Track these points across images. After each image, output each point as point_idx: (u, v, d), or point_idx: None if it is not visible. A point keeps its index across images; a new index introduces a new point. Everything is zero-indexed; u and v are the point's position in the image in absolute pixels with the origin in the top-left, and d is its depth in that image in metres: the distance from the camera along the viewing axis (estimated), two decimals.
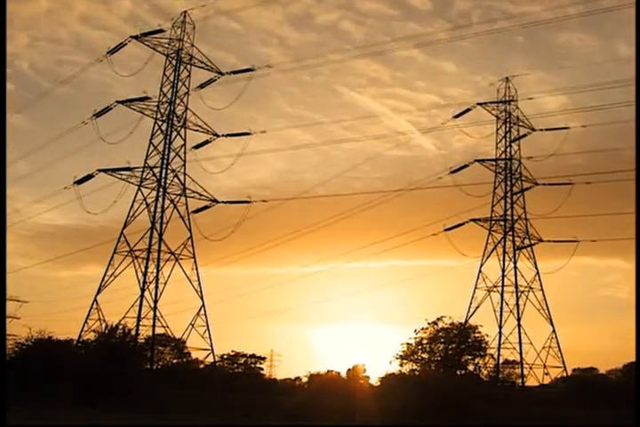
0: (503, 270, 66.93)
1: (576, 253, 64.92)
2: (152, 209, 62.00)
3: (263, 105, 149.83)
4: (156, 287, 59.76)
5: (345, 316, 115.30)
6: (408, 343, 50.00)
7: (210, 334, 61.41)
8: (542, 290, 67.20)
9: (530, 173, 69.00)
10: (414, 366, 49.44)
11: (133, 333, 53.52)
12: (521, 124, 70.49)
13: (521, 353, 63.27)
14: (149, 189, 62.76)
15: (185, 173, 63.93)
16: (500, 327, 64.21)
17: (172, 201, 63.16)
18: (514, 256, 67.43)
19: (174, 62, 65.27)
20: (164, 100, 64.17)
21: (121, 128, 62.32)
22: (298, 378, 74.25)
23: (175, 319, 61.22)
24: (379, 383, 53.71)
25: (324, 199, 74.68)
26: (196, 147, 66.38)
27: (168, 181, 63.13)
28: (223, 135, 66.52)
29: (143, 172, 62.48)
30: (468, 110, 68.69)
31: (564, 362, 65.52)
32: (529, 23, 64.90)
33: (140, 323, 57.94)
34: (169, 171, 63.28)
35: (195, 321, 61.00)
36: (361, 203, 65.91)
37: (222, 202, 65.30)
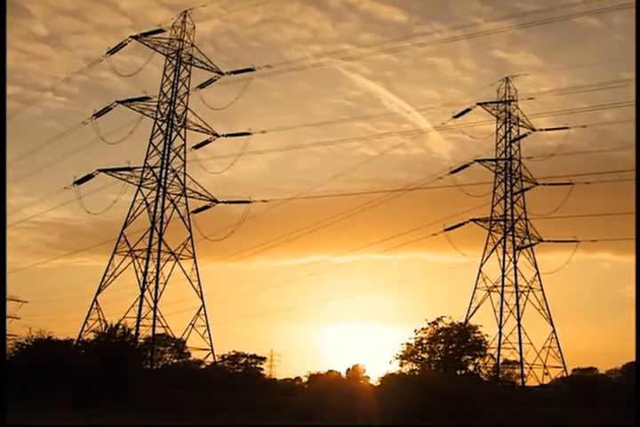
0: (503, 270, 66.97)
1: (576, 253, 65.07)
2: (152, 209, 62.06)
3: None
4: (156, 287, 59.81)
5: (344, 316, 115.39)
6: (408, 343, 49.91)
7: (210, 334, 61.53)
8: (542, 290, 67.30)
9: (530, 173, 69.07)
10: (414, 366, 49.36)
11: (133, 333, 53.55)
12: (521, 124, 70.52)
13: (521, 353, 63.35)
14: (149, 189, 62.83)
15: (185, 173, 64.03)
16: (500, 327, 64.27)
17: (171, 201, 63.20)
18: (514, 256, 67.47)
19: (174, 62, 65.30)
20: (164, 100, 64.21)
21: (121, 128, 62.43)
22: (298, 378, 74.35)
23: (175, 319, 61.33)
24: (379, 383, 53.73)
25: (325, 199, 74.63)
26: (196, 147, 66.45)
27: (168, 181, 63.18)
28: (223, 135, 66.55)
29: (143, 172, 62.54)
30: (467, 110, 68.73)
31: (564, 362, 65.67)
32: None
33: (140, 323, 58.00)
34: (169, 171, 63.34)
35: (195, 321, 61.07)
36: (361, 203, 65.93)
37: (222, 202, 65.33)
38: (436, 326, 50.07)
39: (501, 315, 64.90)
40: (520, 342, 63.55)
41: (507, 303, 65.66)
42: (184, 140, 64.70)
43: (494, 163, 68.87)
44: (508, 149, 69.44)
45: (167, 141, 63.71)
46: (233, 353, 67.91)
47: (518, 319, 64.82)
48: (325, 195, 71.10)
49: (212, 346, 61.66)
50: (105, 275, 61.30)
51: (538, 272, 67.74)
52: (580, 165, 69.38)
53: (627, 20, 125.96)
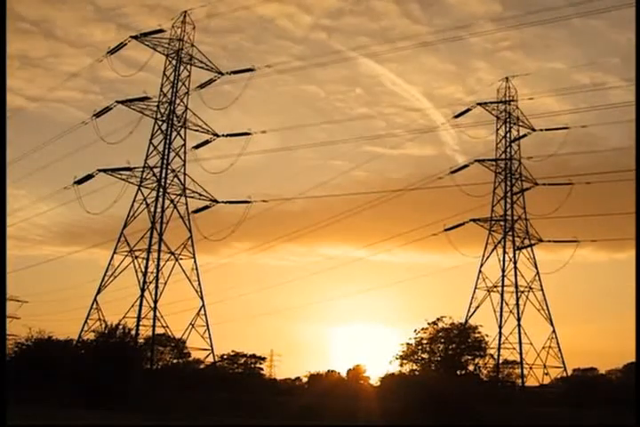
0: (503, 270, 66.96)
1: (576, 253, 65.08)
2: (152, 209, 62.05)
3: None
4: (156, 287, 59.76)
5: (344, 316, 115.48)
6: (408, 343, 49.91)
7: (210, 334, 61.49)
8: (542, 290, 67.30)
9: (530, 173, 69.07)
10: (414, 367, 49.36)
11: (133, 333, 53.51)
12: (521, 124, 70.52)
13: (521, 353, 63.34)
14: (149, 189, 62.80)
15: (185, 173, 64.01)
16: (500, 327, 64.26)
17: (171, 201, 63.18)
18: (514, 256, 67.46)
19: (174, 62, 65.31)
20: (164, 100, 64.21)
21: (121, 128, 62.40)
22: (298, 378, 74.45)
23: (175, 319, 61.30)
24: (379, 384, 53.75)
25: (325, 199, 74.65)
26: (196, 147, 66.46)
27: (168, 181, 63.16)
28: (223, 135, 66.53)
29: (143, 172, 62.49)
30: (467, 110, 68.74)
31: (563, 362, 65.63)
32: None
33: (140, 323, 57.94)
34: (169, 171, 63.33)
35: (195, 321, 61.04)
36: (361, 203, 65.92)
37: (222, 202, 65.32)
38: (435, 327, 50.06)
39: (501, 315, 64.93)
40: (520, 343, 63.58)
41: (507, 303, 65.71)
42: (184, 140, 64.79)
43: (494, 163, 68.89)
44: (508, 149, 69.47)
45: (167, 141, 63.73)
46: (232, 353, 68.00)
47: (518, 319, 64.84)
48: (325, 195, 71.17)
49: (211, 346, 61.72)
50: (105, 275, 61.38)
51: (538, 272, 67.76)
52: (580, 165, 69.39)
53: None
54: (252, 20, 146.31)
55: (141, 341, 56.34)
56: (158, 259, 60.99)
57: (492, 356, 55.05)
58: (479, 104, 69.34)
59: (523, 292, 66.34)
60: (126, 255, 61.13)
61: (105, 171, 61.80)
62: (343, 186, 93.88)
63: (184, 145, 64.60)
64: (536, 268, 67.90)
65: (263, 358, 73.12)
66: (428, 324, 50.10)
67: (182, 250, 62.41)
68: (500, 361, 62.25)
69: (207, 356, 62.52)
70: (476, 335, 50.82)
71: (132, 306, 58.73)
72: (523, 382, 62.70)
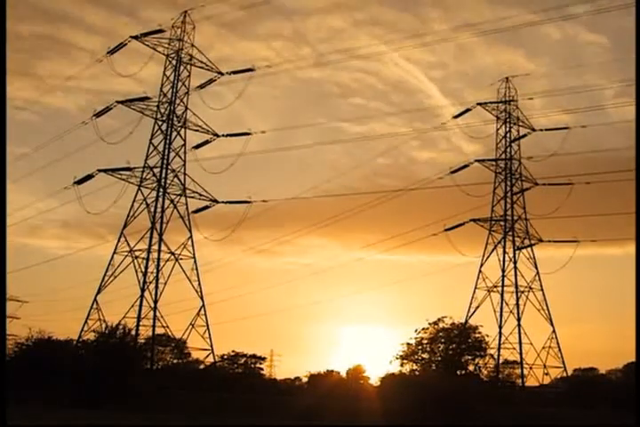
0: (503, 270, 66.95)
1: (576, 253, 65.05)
2: (152, 209, 62.06)
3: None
4: (156, 287, 59.76)
5: (344, 316, 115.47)
6: (408, 343, 49.94)
7: (210, 334, 61.50)
8: (542, 290, 67.30)
9: (530, 173, 69.06)
10: (414, 367, 49.38)
11: (133, 333, 53.51)
12: (521, 124, 70.52)
13: (521, 353, 63.33)
14: (149, 189, 62.80)
15: (185, 173, 64.02)
16: (500, 327, 64.25)
17: (171, 201, 63.19)
18: (514, 256, 67.46)
19: (174, 62, 65.32)
20: (164, 100, 64.21)
21: (121, 128, 62.42)
22: (297, 378, 74.44)
23: (175, 319, 61.30)
24: (378, 383, 53.70)
25: (325, 199, 74.60)
26: (196, 147, 66.46)
27: (168, 181, 63.16)
28: (223, 135, 66.55)
29: (143, 172, 62.50)
30: (467, 110, 68.76)
31: (563, 362, 65.62)
32: None
33: (140, 323, 57.96)
34: (169, 171, 63.33)
35: (195, 321, 61.04)
36: (361, 203, 65.92)
37: (222, 202, 65.33)
38: (436, 327, 50.08)
39: (501, 315, 64.93)
40: (520, 343, 63.57)
41: (507, 303, 65.70)
42: (184, 140, 64.80)
43: (494, 163, 68.91)
44: (508, 149, 69.48)
45: (167, 141, 63.74)
46: (232, 353, 67.96)
47: (518, 319, 64.83)
48: (325, 195, 71.13)
49: (211, 346, 61.73)
50: (105, 275, 61.38)
51: (538, 272, 67.77)
52: (580, 165, 69.30)
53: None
54: None
55: (141, 341, 56.32)
56: (158, 259, 61.04)
57: (492, 356, 55.10)
58: (479, 104, 69.38)
59: (523, 292, 66.36)
60: (126, 255, 61.22)
61: (105, 171, 61.81)
62: (344, 186, 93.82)
63: (184, 145, 64.72)
64: (536, 268, 67.98)
65: (263, 358, 73.07)
66: (429, 324, 50.15)
67: (182, 250, 62.53)
68: (501, 361, 62.28)
69: (207, 356, 62.63)
70: (477, 335, 50.85)
71: (132, 306, 58.84)
72: (523, 382, 62.73)
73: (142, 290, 59.45)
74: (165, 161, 63.28)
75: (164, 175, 62.98)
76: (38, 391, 42.00)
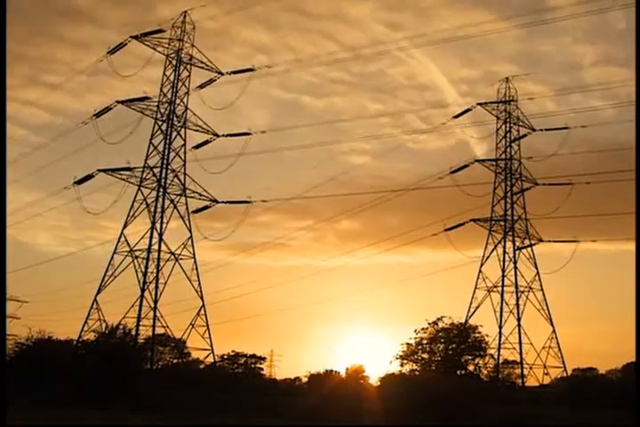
0: (503, 270, 66.96)
1: (576, 253, 65.08)
2: (152, 209, 62.05)
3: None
4: (156, 287, 59.74)
5: (344, 316, 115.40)
6: (408, 343, 50.00)
7: (210, 334, 61.51)
8: (542, 290, 67.31)
9: (530, 173, 69.05)
10: (414, 367, 49.42)
11: (133, 333, 53.54)
12: (521, 124, 70.52)
13: (521, 353, 63.35)
14: (149, 189, 62.81)
15: (185, 173, 64.02)
16: (500, 327, 64.25)
17: (171, 201, 63.19)
18: (514, 256, 67.46)
19: (174, 62, 65.31)
20: (164, 100, 64.21)
21: (121, 128, 62.37)
22: (297, 378, 74.38)
23: (175, 319, 61.30)
24: (378, 383, 53.72)
25: (325, 199, 74.64)
26: (196, 147, 66.47)
27: (168, 181, 63.16)
28: (223, 135, 66.57)
29: (143, 172, 62.50)
30: (467, 110, 68.79)
31: (563, 362, 65.67)
32: None
33: (140, 323, 57.94)
34: (169, 171, 63.33)
35: (195, 321, 61.05)
36: (361, 203, 65.95)
37: (222, 202, 65.35)
38: (436, 327, 50.14)
39: (501, 315, 64.93)
40: (520, 343, 63.58)
41: (507, 303, 65.71)
42: (184, 140, 64.81)
43: (494, 163, 68.91)
44: (508, 149, 69.47)
45: (167, 141, 63.74)
46: (232, 353, 67.95)
47: (518, 319, 64.84)
48: (325, 195, 71.15)
49: (211, 346, 61.74)
50: (105, 275, 61.40)
51: (538, 272, 67.78)
52: (580, 165, 69.31)
53: None
54: None
55: (141, 341, 56.37)
56: (158, 259, 61.02)
57: (492, 356, 55.16)
58: (479, 104, 69.43)
59: (523, 292, 66.37)
60: (126, 255, 61.23)
61: (105, 171, 61.82)
62: (344, 186, 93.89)
63: (184, 145, 64.72)
64: (536, 268, 68.00)
65: (263, 358, 73.07)
66: (429, 324, 50.19)
67: (182, 250, 62.55)
68: (500, 361, 62.27)
69: (207, 356, 62.65)
70: (476, 335, 50.91)
71: (132, 306, 58.83)
72: (523, 382, 62.75)
73: (142, 290, 59.46)
74: (165, 161, 63.29)
75: (163, 175, 63.02)
76: (38, 391, 42.02)
